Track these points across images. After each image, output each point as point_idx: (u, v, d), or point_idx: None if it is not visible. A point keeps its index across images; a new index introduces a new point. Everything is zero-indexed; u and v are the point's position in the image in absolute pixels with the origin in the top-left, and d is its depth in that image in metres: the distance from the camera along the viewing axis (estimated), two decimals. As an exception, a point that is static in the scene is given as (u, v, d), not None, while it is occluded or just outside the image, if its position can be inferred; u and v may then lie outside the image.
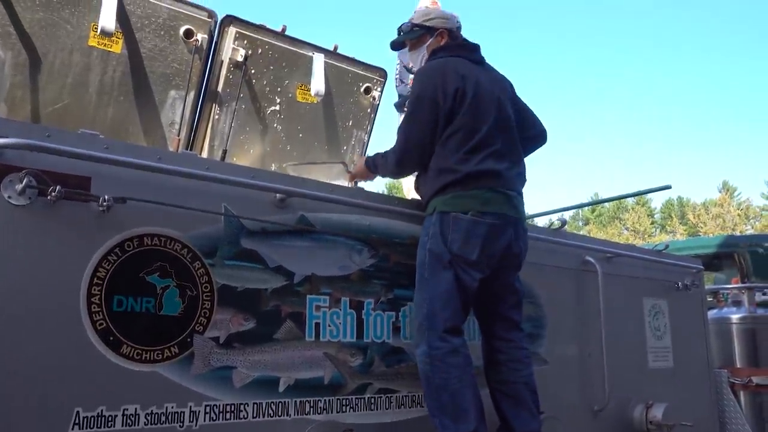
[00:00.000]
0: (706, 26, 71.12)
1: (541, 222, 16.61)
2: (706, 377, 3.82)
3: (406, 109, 4.13)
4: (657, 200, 50.32)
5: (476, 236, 2.31)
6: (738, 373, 4.22)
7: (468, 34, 2.76)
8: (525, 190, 2.59)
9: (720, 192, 45.51)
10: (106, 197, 1.79)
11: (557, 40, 78.25)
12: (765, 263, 5.63)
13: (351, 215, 2.37)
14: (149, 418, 1.81)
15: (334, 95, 3.54)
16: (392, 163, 2.57)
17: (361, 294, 2.36)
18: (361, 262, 2.37)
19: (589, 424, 3.05)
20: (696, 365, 3.77)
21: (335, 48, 3.54)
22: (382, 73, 3.71)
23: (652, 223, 48.95)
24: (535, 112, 2.78)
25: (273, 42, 3.29)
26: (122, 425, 1.77)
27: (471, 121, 2.40)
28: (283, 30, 3.34)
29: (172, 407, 1.86)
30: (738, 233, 34.57)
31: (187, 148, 3.16)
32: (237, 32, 3.15)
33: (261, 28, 3.25)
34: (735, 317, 4.46)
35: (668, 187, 4.43)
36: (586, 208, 51.10)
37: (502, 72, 2.74)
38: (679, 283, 3.71)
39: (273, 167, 3.40)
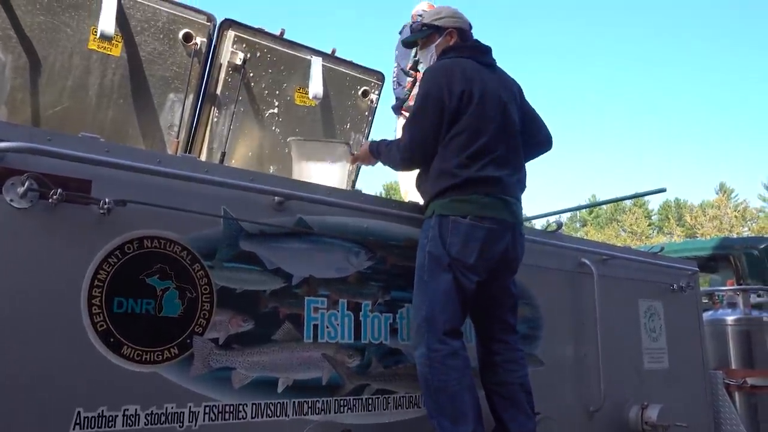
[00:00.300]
0: (704, 28, 71.35)
1: (538, 224, 16.64)
2: (702, 378, 3.84)
3: (410, 107, 4.16)
4: (654, 202, 50.47)
5: (475, 240, 2.33)
6: (733, 375, 4.24)
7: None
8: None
9: (717, 194, 45.61)
10: (107, 200, 1.81)
11: (556, 41, 78.44)
12: (760, 265, 5.66)
13: (348, 218, 2.39)
14: (149, 418, 1.83)
15: (332, 98, 3.56)
16: (396, 159, 2.59)
17: (359, 296, 2.38)
18: (359, 264, 2.39)
19: (584, 424, 3.07)
20: (691, 366, 3.79)
21: (333, 51, 3.56)
22: (380, 77, 3.73)
23: (650, 225, 49.03)
24: (542, 119, 2.78)
25: (271, 45, 3.31)
26: (122, 425, 1.79)
27: (475, 124, 2.40)
28: (282, 33, 3.36)
29: (172, 408, 1.88)
30: (735, 235, 34.68)
31: (185, 151, 3.18)
32: (236, 36, 3.17)
33: (259, 32, 3.27)
34: (730, 319, 4.47)
35: (663, 190, 4.47)
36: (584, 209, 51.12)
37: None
38: (675, 285, 3.74)
39: (271, 170, 3.42)
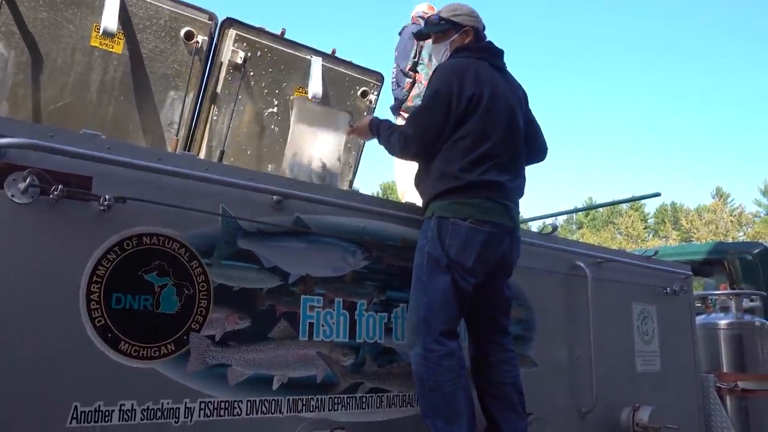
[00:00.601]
0: (701, 31, 71.49)
1: (534, 226, 16.65)
2: (693, 381, 3.88)
3: (408, 107, 4.18)
4: (650, 205, 50.56)
5: (474, 243, 2.35)
6: (725, 378, 4.27)
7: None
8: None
9: (713, 198, 45.72)
10: (107, 197, 1.83)
11: (554, 41, 78.51)
12: (754, 270, 5.70)
13: (345, 217, 2.41)
14: (145, 413, 1.85)
15: (332, 98, 3.58)
16: (395, 147, 2.56)
17: (355, 295, 2.40)
18: (355, 264, 2.41)
19: (576, 425, 3.10)
20: (683, 369, 3.82)
21: (333, 52, 3.58)
22: (379, 77, 3.75)
23: (645, 228, 49.11)
24: (541, 129, 2.80)
25: (272, 45, 3.33)
26: (119, 420, 1.81)
27: (481, 128, 2.41)
28: (283, 33, 3.38)
29: (168, 403, 1.90)
30: (730, 239, 34.78)
31: (185, 148, 3.19)
32: (237, 35, 3.19)
33: (260, 31, 3.29)
34: (722, 323, 4.50)
35: (658, 194, 4.50)
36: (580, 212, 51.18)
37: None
38: (668, 289, 3.77)
39: (270, 169, 3.44)
